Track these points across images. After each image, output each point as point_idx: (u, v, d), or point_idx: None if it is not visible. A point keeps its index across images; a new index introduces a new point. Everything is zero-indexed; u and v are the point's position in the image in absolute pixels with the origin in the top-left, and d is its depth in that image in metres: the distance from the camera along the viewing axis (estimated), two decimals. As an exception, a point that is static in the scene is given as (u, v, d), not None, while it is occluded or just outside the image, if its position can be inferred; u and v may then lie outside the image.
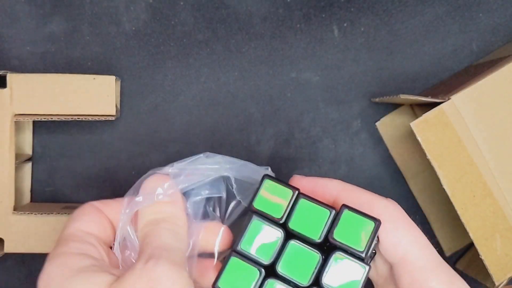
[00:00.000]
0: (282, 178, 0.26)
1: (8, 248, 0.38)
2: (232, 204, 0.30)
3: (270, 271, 0.24)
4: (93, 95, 0.38)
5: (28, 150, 0.42)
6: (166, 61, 0.42)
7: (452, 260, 0.43)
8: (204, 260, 0.28)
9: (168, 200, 0.26)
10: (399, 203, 0.28)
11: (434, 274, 0.24)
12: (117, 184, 0.42)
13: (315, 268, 0.24)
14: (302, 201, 0.25)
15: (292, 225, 0.25)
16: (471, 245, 0.34)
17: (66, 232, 0.25)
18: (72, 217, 0.26)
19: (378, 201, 0.26)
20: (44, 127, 0.42)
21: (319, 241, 0.24)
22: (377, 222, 0.24)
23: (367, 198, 0.26)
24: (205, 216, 0.29)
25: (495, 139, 0.33)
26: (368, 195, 0.26)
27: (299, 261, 0.24)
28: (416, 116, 0.41)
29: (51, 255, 0.23)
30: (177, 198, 0.27)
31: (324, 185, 0.27)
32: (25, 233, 0.38)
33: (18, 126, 0.39)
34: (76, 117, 0.38)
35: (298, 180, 0.28)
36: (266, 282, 0.24)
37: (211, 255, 0.28)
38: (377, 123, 0.42)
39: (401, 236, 0.25)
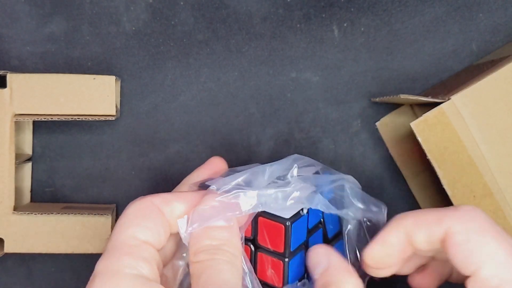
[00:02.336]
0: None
1: (8, 248, 0.38)
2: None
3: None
4: (93, 95, 0.38)
5: (28, 150, 0.42)
6: (166, 61, 0.42)
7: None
8: None
9: (224, 224, 0.23)
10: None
11: None
12: (117, 184, 0.42)
13: None
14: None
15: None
16: (471, 245, 0.34)
17: (119, 238, 0.22)
18: (127, 216, 0.23)
19: (451, 212, 0.24)
20: (44, 127, 0.42)
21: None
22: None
23: (438, 212, 0.25)
24: None
25: (495, 139, 0.32)
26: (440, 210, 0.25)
27: None
28: (416, 116, 0.41)
29: (101, 268, 0.21)
30: (234, 221, 0.24)
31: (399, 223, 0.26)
32: (25, 233, 0.38)
33: (18, 126, 0.39)
34: (76, 117, 0.38)
35: None
36: None
37: None
38: (377, 123, 0.42)
39: (473, 250, 0.22)
